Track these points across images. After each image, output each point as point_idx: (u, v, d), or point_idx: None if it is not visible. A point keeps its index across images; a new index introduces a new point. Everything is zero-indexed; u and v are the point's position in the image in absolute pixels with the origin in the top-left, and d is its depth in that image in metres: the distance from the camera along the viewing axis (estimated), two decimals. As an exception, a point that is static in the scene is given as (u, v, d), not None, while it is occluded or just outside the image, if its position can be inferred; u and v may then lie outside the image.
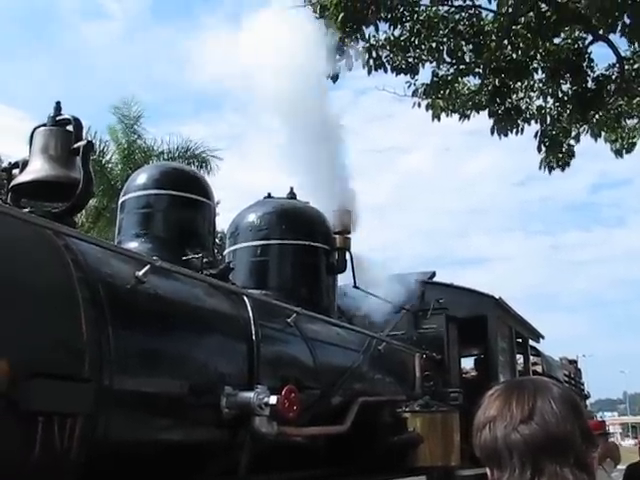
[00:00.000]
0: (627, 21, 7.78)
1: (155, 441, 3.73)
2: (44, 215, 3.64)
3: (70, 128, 4.18)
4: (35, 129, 4.20)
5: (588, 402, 25.35)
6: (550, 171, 10.44)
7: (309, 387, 5.16)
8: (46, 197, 3.98)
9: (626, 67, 9.75)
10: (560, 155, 10.42)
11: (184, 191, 5.18)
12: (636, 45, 9.43)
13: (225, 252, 6.57)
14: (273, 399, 4.20)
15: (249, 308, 4.67)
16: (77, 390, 2.97)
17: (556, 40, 9.38)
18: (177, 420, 3.89)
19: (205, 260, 4.85)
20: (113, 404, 3.27)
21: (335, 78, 8.53)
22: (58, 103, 4.25)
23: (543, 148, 10.33)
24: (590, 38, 9.47)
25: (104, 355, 3.23)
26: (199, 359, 4.10)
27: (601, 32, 8.78)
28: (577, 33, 9.53)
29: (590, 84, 9.65)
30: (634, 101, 10.51)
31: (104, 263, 3.65)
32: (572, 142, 10.61)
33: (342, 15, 7.55)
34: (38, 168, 4.03)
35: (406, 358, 7.32)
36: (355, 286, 7.06)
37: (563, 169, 10.51)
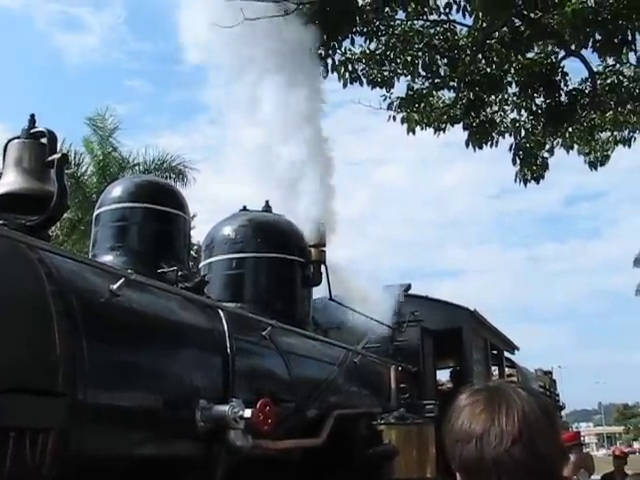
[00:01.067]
0: (598, 37, 7.89)
1: (129, 455, 3.70)
2: (18, 228, 3.61)
3: (44, 141, 4.16)
4: (9, 141, 4.18)
5: (563, 413, 25.51)
6: (525, 184, 10.54)
7: (284, 400, 5.15)
8: (20, 210, 3.94)
9: (599, 82, 9.88)
10: (534, 168, 10.52)
11: (159, 204, 5.17)
12: (608, 60, 9.56)
13: (201, 265, 6.56)
14: (248, 412, 4.20)
15: (224, 321, 4.67)
16: (50, 405, 2.95)
17: (529, 55, 9.48)
18: (152, 434, 3.87)
19: (180, 273, 4.84)
20: (87, 418, 3.25)
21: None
22: (32, 116, 4.24)
23: (518, 161, 10.43)
24: (563, 53, 9.58)
25: (78, 369, 3.21)
26: (174, 373, 4.09)
27: (573, 47, 8.89)
28: (550, 48, 9.64)
29: (563, 98, 9.76)
30: (607, 115, 10.65)
31: (78, 276, 3.64)
32: (546, 155, 10.73)
33: (316, 24, 7.59)
34: (12, 181, 4.01)
35: (381, 370, 7.34)
36: (331, 299, 7.08)
37: (538, 182, 10.62)
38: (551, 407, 1.89)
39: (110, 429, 3.53)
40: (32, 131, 4.16)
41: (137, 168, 23.03)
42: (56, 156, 4.07)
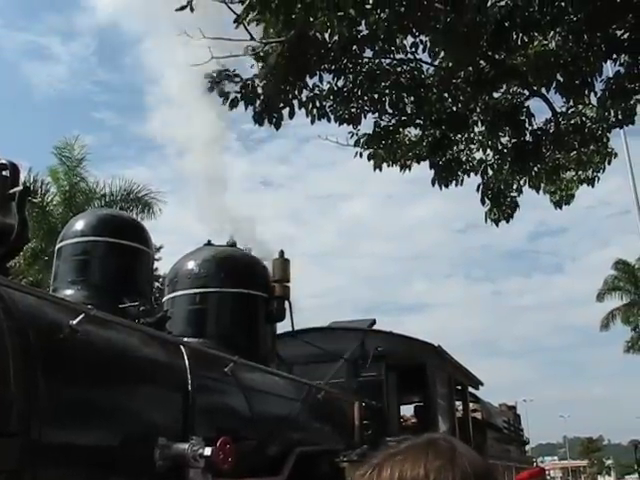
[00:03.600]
0: (561, 79, 8.05)
1: (84, 495, 3.64)
2: (-24, 263, 3.57)
3: (6, 173, 4.13)
4: (-31, 175, 4.13)
5: (528, 447, 25.60)
6: (497, 224, 10.58)
7: (246, 437, 5.11)
8: (-21, 243, 3.90)
9: (563, 122, 10.02)
10: (504, 208, 10.58)
11: (122, 238, 5.15)
12: (571, 101, 9.71)
13: (164, 299, 6.52)
14: (208, 450, 4.16)
15: (185, 357, 4.63)
16: (1, 445, 2.89)
17: (495, 94, 9.60)
18: (109, 473, 3.81)
19: (142, 308, 4.81)
20: (41, 458, 3.19)
21: (278, 124, 8.59)
22: (-6, 148, 4.21)
23: (487, 201, 10.48)
24: (527, 93, 9.72)
25: (33, 407, 3.16)
26: (133, 410, 4.05)
27: (537, 88, 9.04)
28: (515, 88, 9.77)
29: (528, 137, 9.88)
30: (571, 154, 10.78)
31: (37, 312, 3.60)
32: (514, 194, 10.80)
33: (283, 64, 7.64)
34: (-29, 214, 3.97)
35: (345, 407, 7.31)
36: (294, 334, 7.06)
37: (508, 221, 10.66)
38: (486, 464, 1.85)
39: (66, 468, 3.47)
40: (-6, 164, 4.13)
41: (103, 199, 22.90)
42: (18, 189, 4.05)
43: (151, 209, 23.61)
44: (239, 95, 7.97)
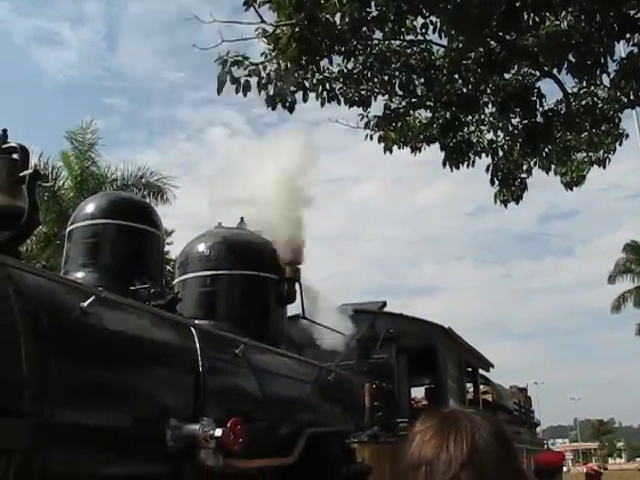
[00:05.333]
0: (572, 60, 8.00)
1: (97, 475, 3.66)
2: (-13, 245, 3.59)
3: (16, 156, 4.14)
4: (-21, 157, 4.14)
5: (539, 429, 25.61)
6: (505, 205, 10.59)
7: (256, 418, 5.12)
8: (-10, 226, 3.92)
9: (574, 103, 9.98)
10: (513, 189, 10.58)
11: (132, 221, 5.15)
12: (582, 82, 9.66)
13: (174, 282, 6.53)
14: (219, 431, 4.17)
15: (196, 339, 4.65)
16: (14, 425, 2.92)
17: (506, 75, 9.57)
18: (120, 454, 3.82)
19: (152, 290, 4.82)
20: (53, 438, 3.21)
21: (291, 108, 8.59)
22: (4, 131, 4.21)
23: (496, 182, 10.48)
24: (538, 74, 9.68)
25: (45, 388, 3.17)
26: (144, 391, 4.06)
27: (548, 69, 8.99)
28: (526, 69, 9.73)
29: (539, 119, 9.85)
30: (582, 136, 10.75)
31: (48, 294, 3.61)
32: (524, 175, 10.79)
33: (295, 46, 7.61)
34: (-18, 197, 3.98)
35: (355, 388, 7.33)
36: (304, 316, 7.07)
37: (517, 202, 10.67)
38: (505, 432, 1.83)
39: (78, 449, 3.49)
40: (4, 146, 4.13)
41: (115, 183, 22.95)
42: (28, 172, 4.05)
43: (164, 195, 23.66)
44: (249, 79, 7.96)
